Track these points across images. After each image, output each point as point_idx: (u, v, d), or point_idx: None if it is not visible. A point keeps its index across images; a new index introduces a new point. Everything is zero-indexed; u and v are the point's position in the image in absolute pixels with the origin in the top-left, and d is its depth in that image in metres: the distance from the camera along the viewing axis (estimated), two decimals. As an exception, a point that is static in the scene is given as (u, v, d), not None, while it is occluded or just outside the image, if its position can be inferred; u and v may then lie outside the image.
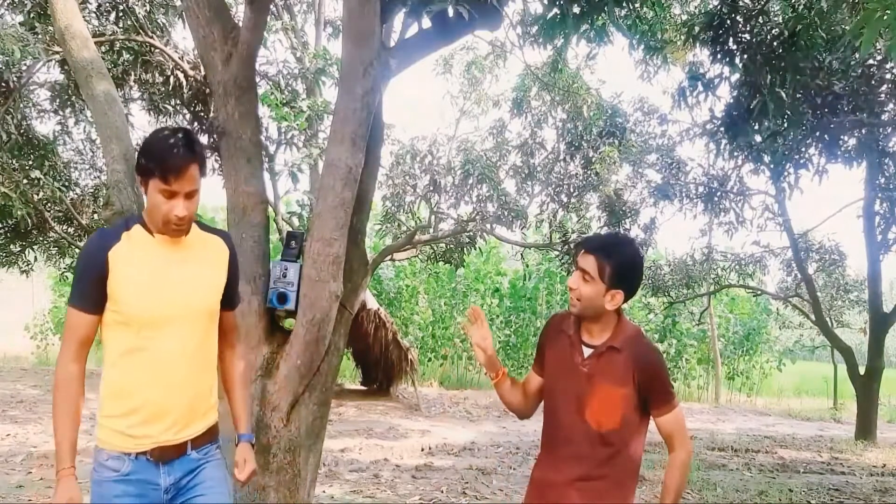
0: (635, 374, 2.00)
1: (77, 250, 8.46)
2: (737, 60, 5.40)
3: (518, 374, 14.21)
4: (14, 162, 6.82)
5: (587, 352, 2.06)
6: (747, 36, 5.34)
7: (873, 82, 6.44)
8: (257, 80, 3.94)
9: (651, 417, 2.09)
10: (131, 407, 1.88)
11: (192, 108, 5.91)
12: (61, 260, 8.68)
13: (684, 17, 6.62)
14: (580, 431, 2.03)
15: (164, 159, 1.80)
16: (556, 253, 9.19)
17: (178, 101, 6.03)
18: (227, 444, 2.23)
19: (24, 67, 6.11)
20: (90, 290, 1.85)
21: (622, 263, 2.01)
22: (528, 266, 14.73)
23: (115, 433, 1.88)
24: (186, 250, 1.95)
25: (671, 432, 2.05)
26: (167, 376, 1.90)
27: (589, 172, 8.47)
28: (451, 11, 2.78)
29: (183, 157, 1.82)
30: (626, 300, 2.05)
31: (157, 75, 5.92)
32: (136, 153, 1.90)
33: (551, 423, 2.13)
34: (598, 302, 2.01)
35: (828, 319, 11.70)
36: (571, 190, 8.75)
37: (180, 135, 1.86)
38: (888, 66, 6.41)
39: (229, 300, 2.10)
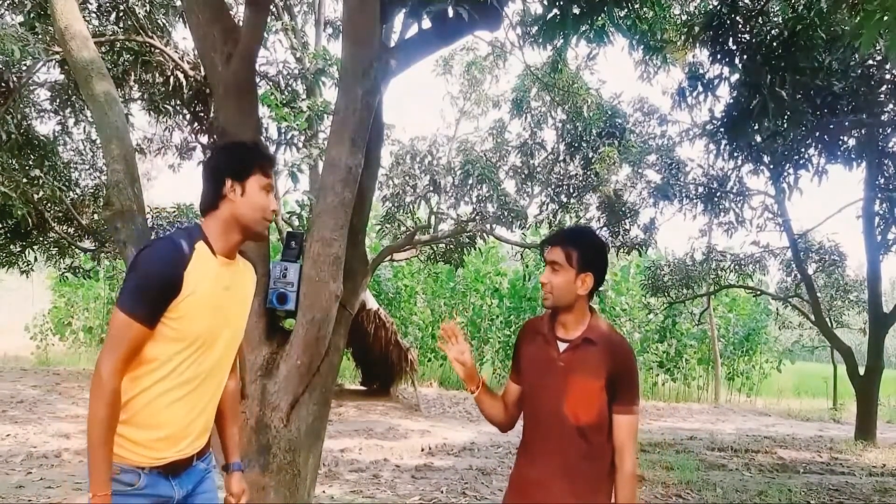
0: (609, 365, 2.04)
1: (77, 251, 8.47)
2: (736, 61, 5.41)
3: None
4: (14, 162, 6.83)
5: (563, 346, 2.10)
6: (747, 36, 5.34)
7: (873, 83, 6.45)
8: (257, 80, 3.94)
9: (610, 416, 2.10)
10: (156, 422, 1.84)
11: (192, 109, 5.92)
12: (61, 260, 8.68)
13: (684, 18, 6.62)
14: (559, 425, 2.05)
15: (266, 155, 1.97)
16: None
17: (179, 102, 6.04)
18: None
19: (24, 67, 6.12)
20: (156, 304, 1.76)
21: (588, 247, 2.10)
22: (527, 266, 14.73)
23: (129, 444, 1.81)
24: (235, 274, 1.97)
25: (626, 439, 2.04)
26: (199, 399, 1.90)
27: (589, 173, 8.48)
28: (450, 12, 2.79)
29: (273, 157, 2.01)
30: (595, 287, 2.10)
31: (157, 75, 5.93)
32: (221, 161, 1.94)
33: (531, 421, 2.16)
34: (571, 289, 2.07)
35: (827, 320, 11.70)
36: (571, 190, 8.76)
37: (257, 143, 2.05)
38: (887, 66, 6.41)
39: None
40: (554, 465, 2.05)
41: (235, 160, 1.92)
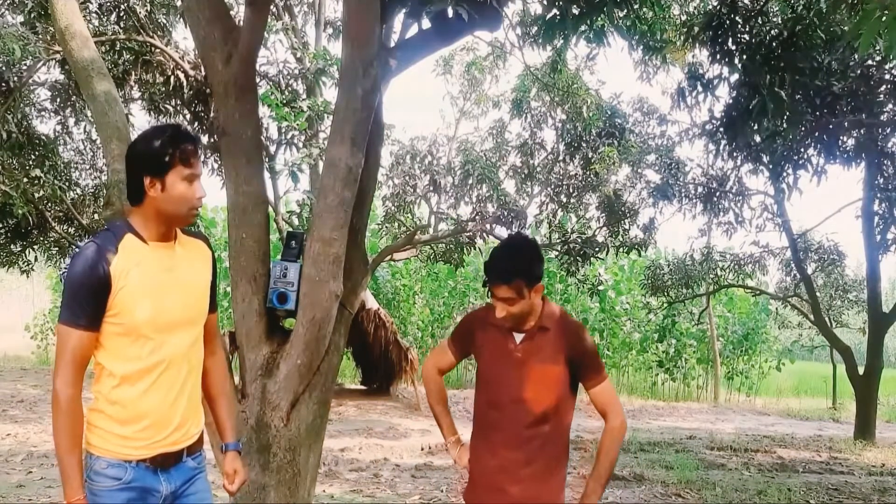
0: (565, 348, 2.12)
1: (78, 251, 8.48)
2: (736, 61, 5.41)
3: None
4: (15, 161, 6.84)
5: (519, 337, 2.17)
6: (746, 36, 5.35)
7: (872, 83, 6.46)
8: (258, 80, 3.94)
9: (585, 392, 2.20)
10: (136, 414, 1.85)
11: (192, 108, 5.93)
12: (62, 260, 8.68)
13: (684, 18, 6.63)
14: (520, 414, 2.13)
15: (185, 142, 1.86)
16: (556, 253, 9.21)
17: (179, 101, 6.04)
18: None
19: (24, 67, 6.13)
20: (91, 307, 1.78)
21: (526, 267, 2.09)
22: (527, 266, 14.70)
23: (115, 438, 1.84)
24: (177, 255, 1.95)
25: (604, 403, 2.15)
26: (172, 383, 1.90)
27: (588, 173, 8.49)
28: (450, 12, 2.79)
29: (194, 139, 1.90)
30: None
31: (157, 75, 5.94)
32: (137, 157, 1.87)
33: (490, 411, 2.23)
34: (528, 307, 2.13)
35: (827, 319, 11.70)
36: (571, 190, 8.77)
37: (175, 126, 1.94)
38: (887, 66, 6.42)
39: (211, 302, 2.09)
40: (516, 453, 2.13)
41: (152, 156, 1.84)
